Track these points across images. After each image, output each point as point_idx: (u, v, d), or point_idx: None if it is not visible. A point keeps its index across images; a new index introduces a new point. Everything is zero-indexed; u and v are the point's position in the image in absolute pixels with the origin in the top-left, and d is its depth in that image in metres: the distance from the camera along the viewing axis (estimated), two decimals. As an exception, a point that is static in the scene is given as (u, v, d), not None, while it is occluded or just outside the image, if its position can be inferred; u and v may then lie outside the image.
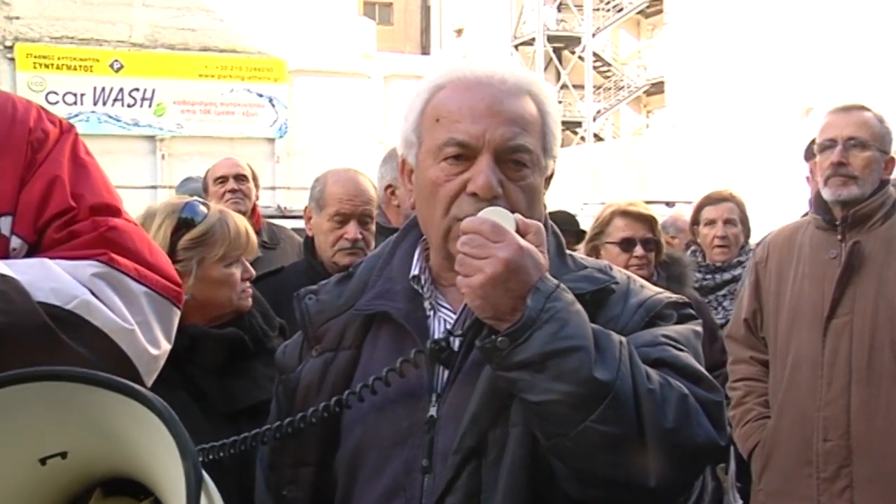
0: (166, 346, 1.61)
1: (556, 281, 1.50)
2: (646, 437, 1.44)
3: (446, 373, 1.63)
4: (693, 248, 5.07)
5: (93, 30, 22.40)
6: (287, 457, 1.72)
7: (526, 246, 1.47)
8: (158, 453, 1.20)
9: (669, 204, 11.13)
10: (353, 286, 1.77)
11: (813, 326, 3.20)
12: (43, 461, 1.29)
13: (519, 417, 1.54)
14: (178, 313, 1.66)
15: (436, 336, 1.65)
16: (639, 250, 3.85)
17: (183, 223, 2.56)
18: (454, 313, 1.67)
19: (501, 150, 1.60)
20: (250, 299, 2.67)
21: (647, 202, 4.53)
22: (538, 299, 1.45)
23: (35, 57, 21.77)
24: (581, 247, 4.11)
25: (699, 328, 1.69)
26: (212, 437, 2.10)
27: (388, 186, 3.82)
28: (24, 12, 21.78)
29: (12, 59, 21.65)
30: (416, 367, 1.60)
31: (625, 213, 3.91)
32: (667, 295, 1.71)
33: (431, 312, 1.70)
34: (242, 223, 2.67)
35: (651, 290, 1.71)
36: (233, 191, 5.14)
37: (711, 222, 4.87)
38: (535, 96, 1.68)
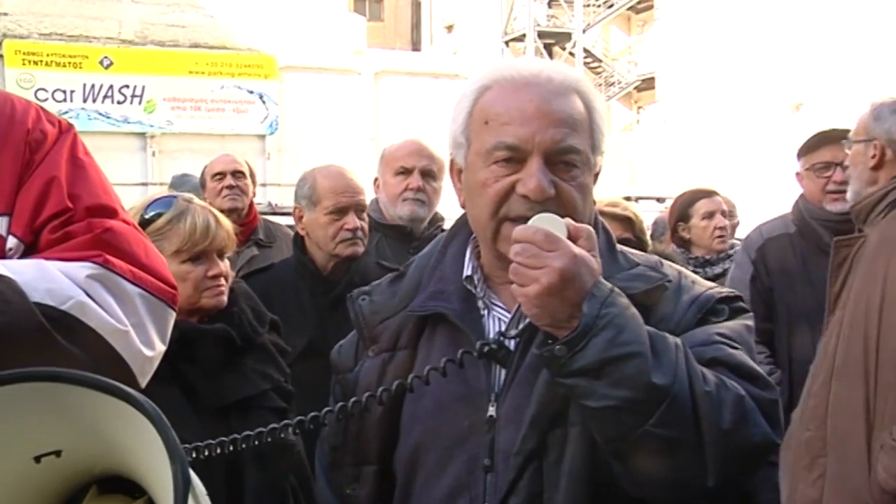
0: (161, 348, 1.62)
1: (610, 285, 1.51)
2: (703, 438, 1.46)
3: (503, 373, 1.65)
4: (676, 245, 5.11)
5: (82, 26, 22.30)
6: (349, 456, 1.74)
7: (579, 253, 1.48)
8: (149, 454, 1.21)
9: (660, 200, 11.15)
10: (406, 286, 1.79)
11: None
12: (38, 459, 1.30)
13: (577, 417, 1.55)
14: (173, 315, 1.67)
15: (491, 335, 1.67)
16: None
17: (146, 223, 2.56)
18: (508, 312, 1.69)
19: (552, 152, 1.61)
20: (223, 297, 2.64)
21: (638, 198, 4.56)
22: (594, 306, 1.46)
23: (24, 54, 21.66)
24: None
25: (751, 322, 1.71)
26: (201, 431, 2.12)
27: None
28: (13, 8, 21.68)
29: (0, 56, 21.55)
30: (461, 367, 1.61)
31: (602, 213, 3.92)
32: (718, 290, 1.72)
33: (486, 312, 1.72)
34: (206, 219, 2.64)
35: (702, 286, 1.72)
36: (230, 187, 5.13)
37: (710, 214, 4.90)
38: (583, 94, 1.68)
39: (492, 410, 1.63)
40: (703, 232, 4.90)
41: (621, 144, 22.98)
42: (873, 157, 3.17)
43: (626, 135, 29.59)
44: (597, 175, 1.74)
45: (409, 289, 1.78)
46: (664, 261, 1.77)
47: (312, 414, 1.63)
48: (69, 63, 22.03)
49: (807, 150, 4.06)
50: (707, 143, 18.55)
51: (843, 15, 20.88)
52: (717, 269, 4.83)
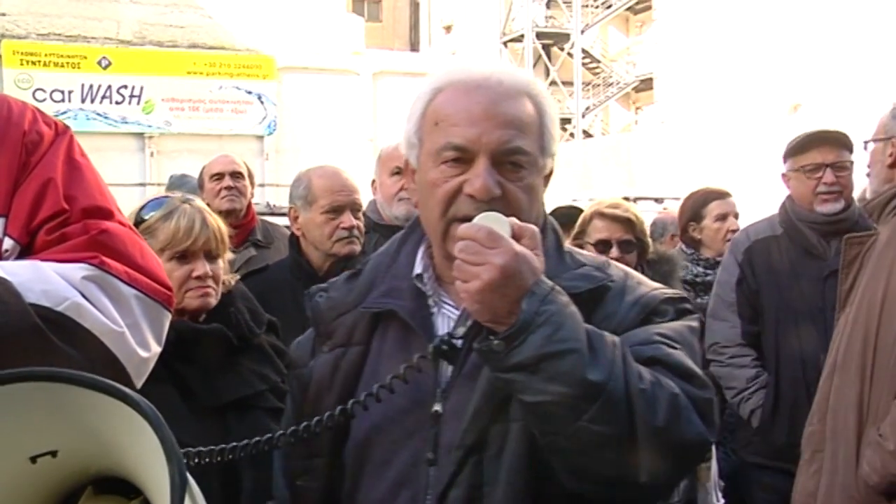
0: (156, 349, 1.63)
1: (551, 284, 1.53)
2: (637, 435, 1.48)
3: (450, 369, 1.68)
4: (681, 243, 5.08)
5: (80, 27, 22.29)
6: (300, 449, 1.76)
7: (521, 251, 1.51)
8: (146, 454, 1.22)
9: (658, 200, 11.16)
10: (362, 284, 1.82)
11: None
12: (33, 459, 1.31)
13: (519, 413, 1.58)
14: (169, 316, 1.68)
15: (440, 333, 1.69)
16: (614, 252, 3.89)
17: (142, 223, 2.59)
18: (457, 310, 1.72)
19: (498, 153, 1.64)
20: (209, 299, 2.65)
21: (636, 199, 4.56)
22: (533, 303, 1.48)
23: (22, 54, 21.65)
24: (569, 242, 4.14)
25: (695, 323, 1.74)
26: (197, 430, 2.13)
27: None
28: (11, 9, 21.66)
29: (-1, 56, 21.55)
30: (419, 371, 1.64)
31: (602, 215, 3.94)
32: (662, 291, 1.75)
33: (436, 309, 1.76)
34: (192, 220, 2.64)
35: (647, 287, 1.75)
36: (228, 188, 5.12)
37: (723, 216, 4.89)
38: (533, 97, 1.72)
39: (437, 406, 1.66)
40: (716, 234, 4.87)
41: (619, 145, 22.98)
42: (890, 154, 3.18)
43: (625, 135, 29.61)
44: (547, 178, 1.78)
45: (364, 286, 1.81)
46: (612, 262, 1.81)
47: (304, 423, 1.67)
48: (67, 63, 22.02)
49: (795, 151, 4.05)
50: (705, 144, 18.55)
51: (842, 16, 20.90)
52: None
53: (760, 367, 4.00)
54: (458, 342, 1.64)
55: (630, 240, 3.91)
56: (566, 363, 1.46)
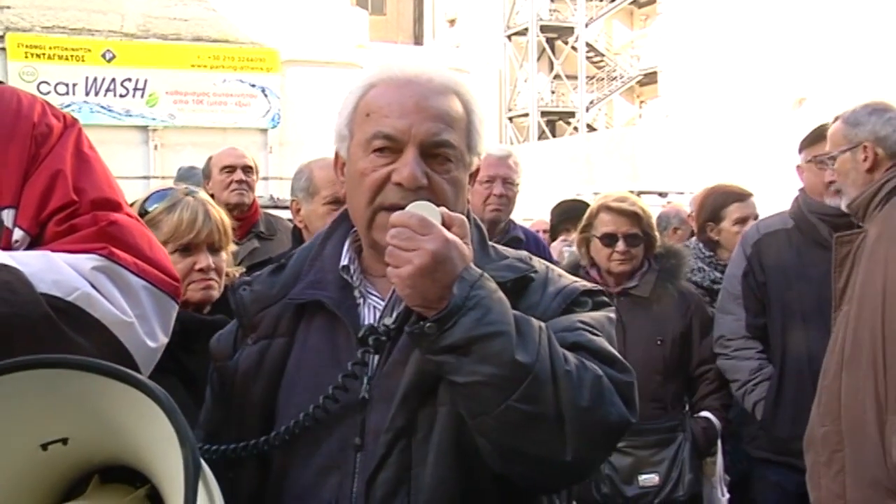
0: (164, 339, 1.65)
1: (479, 271, 1.59)
2: (563, 415, 1.54)
3: (377, 357, 1.72)
4: (699, 243, 4.91)
5: (84, 19, 22.31)
6: (230, 441, 1.77)
7: (452, 238, 1.56)
8: (156, 441, 1.23)
9: (662, 194, 11.14)
10: (286, 276, 1.85)
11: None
12: (45, 447, 1.32)
13: (446, 397, 1.63)
14: (176, 307, 1.70)
15: (366, 322, 1.74)
16: (620, 245, 3.91)
17: (146, 214, 2.60)
18: (383, 300, 1.77)
19: (426, 144, 1.70)
20: (212, 292, 2.67)
21: (640, 192, 4.54)
22: (464, 287, 1.54)
23: (26, 47, 21.68)
24: (576, 234, 4.15)
25: (612, 314, 1.80)
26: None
27: None
28: (16, 2, 21.68)
29: (3, 49, 21.56)
30: (364, 365, 1.68)
31: (609, 209, 3.96)
32: (582, 283, 1.82)
33: (361, 300, 1.79)
34: (195, 213, 2.66)
35: (568, 279, 1.82)
36: (240, 181, 5.13)
37: (743, 220, 4.72)
38: (461, 96, 1.79)
39: (364, 392, 1.69)
40: (735, 238, 4.62)
41: (623, 139, 22.95)
42: (865, 159, 3.21)
43: (629, 130, 29.56)
44: (473, 175, 1.84)
45: (289, 279, 1.84)
46: (533, 256, 1.87)
47: (294, 420, 1.69)
48: (72, 56, 22.05)
49: (809, 142, 4.05)
50: (710, 138, 18.52)
51: (847, 10, 20.85)
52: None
53: (765, 359, 4.00)
54: (387, 329, 1.68)
55: (636, 233, 3.93)
56: (496, 345, 1.51)
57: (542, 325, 1.60)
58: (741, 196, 4.88)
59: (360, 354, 1.66)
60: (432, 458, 1.64)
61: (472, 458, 1.62)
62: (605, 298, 1.83)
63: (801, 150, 4.12)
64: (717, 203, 4.87)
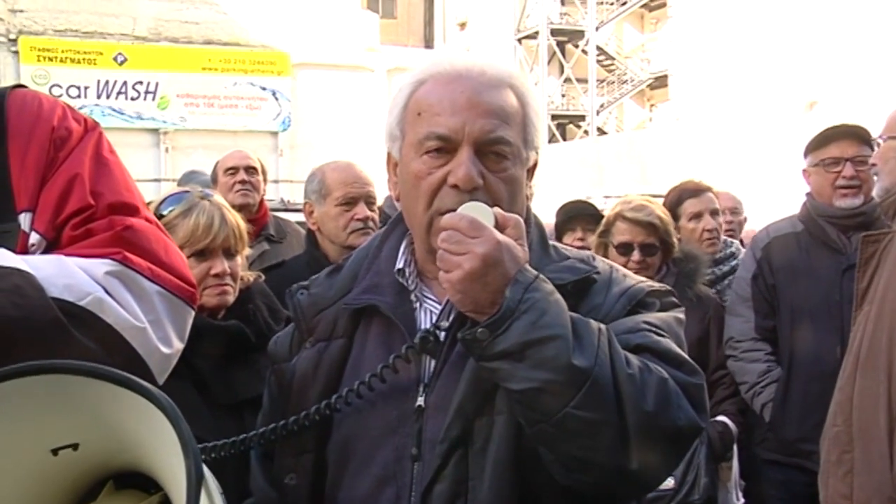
0: (179, 346, 1.63)
1: (535, 272, 1.53)
2: (626, 421, 1.47)
3: (433, 363, 1.67)
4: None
5: (96, 23, 22.38)
6: (288, 446, 1.75)
7: (503, 240, 1.51)
8: (163, 448, 1.22)
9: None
10: (343, 279, 1.81)
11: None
12: (55, 452, 1.32)
13: (504, 406, 1.57)
14: (192, 313, 1.68)
15: (422, 328, 1.68)
16: (636, 255, 3.90)
17: (161, 219, 2.59)
18: (439, 304, 1.71)
19: (481, 143, 1.63)
20: (227, 297, 2.65)
21: (651, 196, 4.50)
22: (517, 290, 1.48)
23: (39, 50, 21.75)
24: (594, 238, 4.14)
25: (681, 315, 1.73)
26: (213, 427, 2.13)
27: None
28: (28, 5, 21.76)
29: (16, 53, 21.63)
30: (407, 362, 1.63)
31: (625, 218, 3.95)
32: (649, 283, 1.74)
33: (418, 305, 1.74)
34: (211, 217, 2.64)
35: (633, 279, 1.74)
36: (242, 182, 5.15)
37: (697, 216, 4.63)
38: (516, 88, 1.71)
39: (420, 400, 1.65)
40: (692, 234, 4.56)
41: (634, 142, 22.91)
42: None
43: (639, 133, 29.50)
44: (531, 170, 1.76)
45: (346, 281, 1.80)
46: (597, 256, 1.80)
47: (322, 403, 1.67)
48: (83, 59, 22.11)
49: (815, 146, 4.04)
50: (720, 141, 18.47)
51: (858, 13, 20.77)
52: (726, 267, 4.75)
53: (773, 361, 3.99)
54: (442, 335, 1.64)
55: (652, 243, 3.92)
56: (551, 349, 1.45)
57: (602, 326, 1.53)
58: (695, 191, 4.76)
59: (404, 349, 1.62)
60: (490, 470, 1.57)
61: (531, 470, 1.57)
62: (674, 299, 1.75)
63: (806, 155, 4.11)
64: (672, 201, 4.75)
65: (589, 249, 4.11)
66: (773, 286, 4.01)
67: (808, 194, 4.08)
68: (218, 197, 2.77)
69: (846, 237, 3.88)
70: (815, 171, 4.01)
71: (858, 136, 3.96)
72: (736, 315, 4.11)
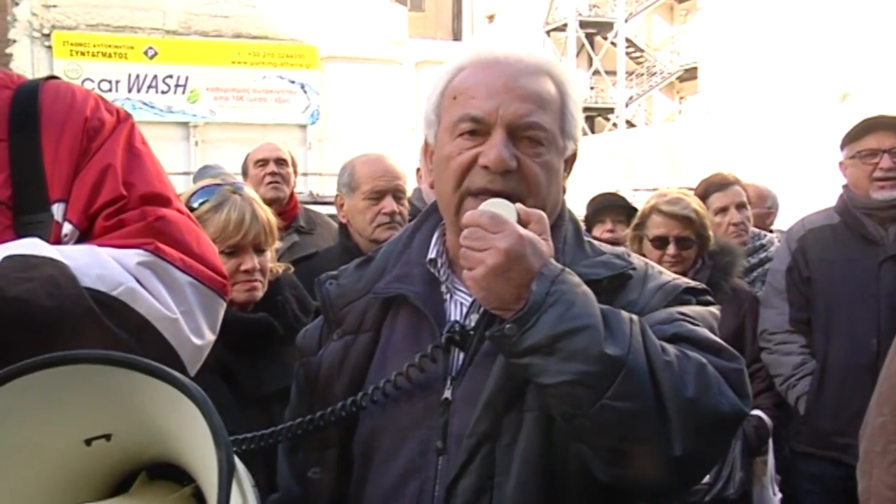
0: (210, 337, 1.62)
1: (560, 266, 1.50)
2: (667, 408, 1.43)
3: (461, 356, 1.65)
4: None
5: (127, 17, 22.56)
6: (312, 440, 1.74)
7: (526, 234, 1.48)
8: (195, 439, 1.22)
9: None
10: (373, 270, 1.79)
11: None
12: (88, 442, 1.32)
13: (534, 402, 1.55)
14: (224, 304, 1.67)
15: (452, 320, 1.67)
16: (671, 249, 3.87)
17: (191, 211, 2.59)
18: (470, 297, 1.68)
19: (515, 126, 1.61)
20: (256, 293, 2.64)
21: (680, 189, 4.46)
22: (543, 284, 1.46)
23: (71, 44, 21.97)
24: (629, 231, 4.12)
25: (717, 311, 1.70)
26: (242, 419, 2.13)
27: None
28: (61, 1, 21.97)
29: (49, 47, 21.86)
30: (433, 361, 1.62)
31: (661, 212, 3.92)
32: (685, 281, 1.71)
33: (448, 296, 1.72)
34: (242, 214, 2.63)
35: (669, 276, 1.71)
36: (273, 174, 5.16)
37: (723, 209, 4.63)
38: (555, 77, 1.69)
39: (447, 393, 1.62)
40: (718, 229, 4.50)
41: (663, 135, 22.78)
42: None
43: (668, 125, 29.33)
44: (569, 161, 1.73)
45: (375, 272, 1.78)
46: (632, 252, 1.77)
47: (348, 400, 1.66)
48: (115, 53, 22.32)
49: (852, 138, 4.00)
50: (751, 133, 18.30)
51: (890, 3, 20.50)
52: (754, 260, 4.73)
53: (808, 353, 3.97)
54: (470, 330, 1.62)
55: (688, 237, 3.89)
56: (582, 340, 1.42)
57: (634, 316, 1.50)
58: (720, 185, 4.73)
59: (429, 349, 1.60)
60: (517, 467, 1.55)
61: (559, 468, 1.54)
62: (710, 297, 1.71)
63: (843, 147, 4.07)
64: (699, 194, 4.68)
65: (619, 241, 4.10)
66: (809, 278, 3.98)
67: (844, 186, 4.04)
68: (249, 190, 2.76)
69: (883, 229, 3.84)
70: (851, 163, 3.97)
71: (895, 127, 3.92)
72: (770, 307, 4.09)
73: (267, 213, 2.72)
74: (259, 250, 2.67)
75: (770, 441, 4.03)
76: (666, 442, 1.44)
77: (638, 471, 1.49)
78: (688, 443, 1.44)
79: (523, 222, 1.51)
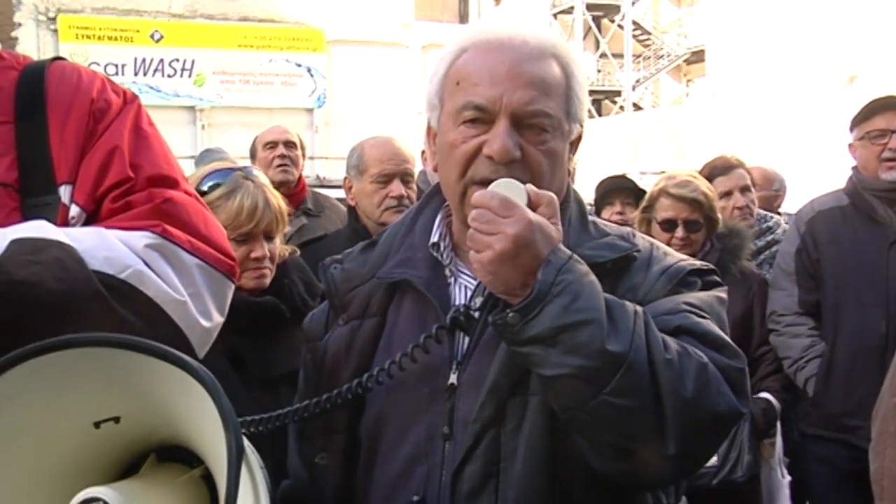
0: (219, 319, 1.62)
1: (568, 252, 1.48)
2: (664, 407, 1.42)
3: (466, 340, 1.63)
4: None
5: (133, 1, 22.51)
6: (318, 425, 1.73)
7: (535, 219, 1.46)
8: (203, 422, 1.22)
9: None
10: (377, 254, 1.78)
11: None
12: (97, 425, 1.32)
13: (538, 387, 1.53)
14: (232, 287, 1.66)
15: (456, 303, 1.66)
16: (680, 232, 3.87)
17: (201, 194, 2.57)
18: (474, 280, 1.67)
19: (520, 115, 1.59)
20: (265, 280, 2.63)
21: (688, 171, 4.44)
22: (549, 273, 1.44)
23: (77, 28, 21.95)
24: (637, 213, 4.11)
25: (723, 294, 1.67)
26: (249, 402, 2.12)
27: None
28: (66, -17, 21.94)
29: (55, 31, 21.84)
30: (438, 342, 1.60)
31: (669, 194, 3.91)
32: (690, 262, 1.68)
33: (452, 280, 1.70)
34: (254, 201, 2.60)
35: (675, 258, 1.69)
36: (282, 156, 5.15)
37: (727, 193, 4.61)
38: (560, 58, 1.65)
39: (453, 378, 1.61)
40: (722, 213, 4.42)
41: (670, 118, 22.69)
42: None
43: (675, 108, 29.20)
44: (575, 143, 1.71)
45: (380, 256, 1.76)
46: (637, 233, 1.74)
47: (353, 382, 1.65)
48: (121, 37, 22.30)
49: (861, 118, 3.99)
50: (758, 116, 18.23)
51: (901, -15, 20.37)
52: (761, 243, 4.72)
53: (816, 336, 3.96)
54: (475, 313, 1.61)
55: (696, 220, 3.89)
56: (584, 334, 1.40)
57: (639, 309, 1.48)
58: (724, 168, 4.72)
59: (434, 330, 1.59)
60: (522, 452, 1.54)
61: (565, 452, 1.53)
62: (717, 278, 1.69)
63: (852, 128, 4.06)
64: (704, 178, 4.60)
65: (628, 224, 4.09)
66: (818, 260, 3.98)
67: (853, 168, 4.03)
68: (260, 176, 2.74)
69: (893, 210, 3.83)
70: (860, 144, 3.96)
71: None
72: (779, 289, 4.08)
73: (278, 200, 2.70)
74: (269, 238, 2.65)
75: (778, 423, 4.03)
76: (661, 440, 1.43)
77: (633, 465, 1.48)
78: (682, 441, 1.43)
79: (533, 204, 1.49)
